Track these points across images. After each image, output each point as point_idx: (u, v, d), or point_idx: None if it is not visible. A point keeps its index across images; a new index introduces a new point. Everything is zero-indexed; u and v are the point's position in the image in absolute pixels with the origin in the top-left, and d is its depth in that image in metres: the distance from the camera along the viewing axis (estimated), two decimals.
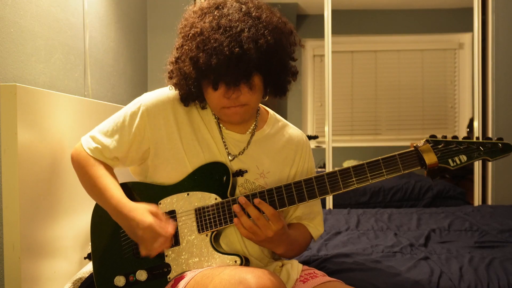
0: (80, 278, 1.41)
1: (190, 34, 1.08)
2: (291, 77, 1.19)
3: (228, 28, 1.04)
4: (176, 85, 1.16)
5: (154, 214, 1.12)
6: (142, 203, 1.15)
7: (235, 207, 1.12)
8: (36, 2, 1.50)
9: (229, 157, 1.21)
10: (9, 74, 1.33)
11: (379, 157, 1.12)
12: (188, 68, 1.08)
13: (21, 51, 1.40)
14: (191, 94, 1.15)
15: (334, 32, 3.26)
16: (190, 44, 1.08)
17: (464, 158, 1.10)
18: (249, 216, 1.11)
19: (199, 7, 1.15)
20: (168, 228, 1.11)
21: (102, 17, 2.14)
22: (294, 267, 1.24)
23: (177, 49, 1.14)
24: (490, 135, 3.17)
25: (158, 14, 3.10)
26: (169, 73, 1.18)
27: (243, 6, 1.10)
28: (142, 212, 1.12)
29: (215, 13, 1.08)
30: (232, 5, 1.10)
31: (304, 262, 1.46)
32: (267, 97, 1.22)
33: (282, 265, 1.26)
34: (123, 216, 1.13)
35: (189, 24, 1.12)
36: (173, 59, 1.15)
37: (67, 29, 1.74)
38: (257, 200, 1.11)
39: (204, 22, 1.07)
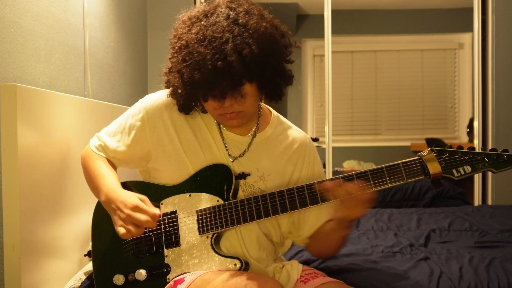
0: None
1: (177, 47, 1.08)
2: (286, 81, 1.16)
3: (213, 39, 1.02)
4: (171, 95, 1.17)
5: (142, 201, 1.11)
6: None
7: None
8: (36, 2, 1.50)
9: (230, 159, 1.21)
10: (9, 74, 1.33)
11: (383, 165, 1.10)
12: (177, 81, 1.08)
13: (21, 51, 1.40)
14: (186, 104, 1.17)
15: (334, 32, 3.26)
16: (177, 57, 1.07)
17: (468, 168, 1.07)
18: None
19: (188, 15, 1.12)
20: (154, 210, 1.09)
21: (102, 17, 2.14)
22: (294, 268, 1.24)
23: (169, 59, 1.13)
24: (490, 135, 3.17)
25: (158, 14, 3.09)
26: (165, 83, 1.18)
27: (232, 12, 1.06)
28: (132, 195, 1.12)
29: (203, 22, 1.06)
30: (221, 12, 1.07)
31: (304, 262, 1.46)
32: (263, 100, 1.21)
33: (283, 266, 1.26)
34: (113, 199, 1.12)
35: (178, 35, 1.10)
36: (167, 69, 1.15)
37: (67, 29, 1.74)
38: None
39: (191, 34, 1.05)
